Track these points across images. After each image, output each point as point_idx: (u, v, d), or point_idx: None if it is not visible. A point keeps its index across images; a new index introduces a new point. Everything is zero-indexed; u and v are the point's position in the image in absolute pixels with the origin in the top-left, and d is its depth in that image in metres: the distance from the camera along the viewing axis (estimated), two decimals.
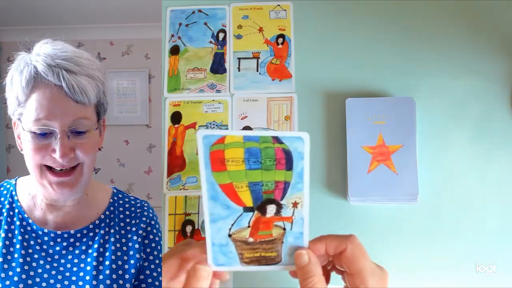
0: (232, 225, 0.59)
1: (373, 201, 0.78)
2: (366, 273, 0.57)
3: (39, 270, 0.78)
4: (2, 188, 0.84)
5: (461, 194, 0.78)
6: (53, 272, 0.78)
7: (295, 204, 0.59)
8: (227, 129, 0.84)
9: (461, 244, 0.77)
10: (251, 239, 0.60)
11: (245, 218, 0.59)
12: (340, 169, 0.79)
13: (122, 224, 0.83)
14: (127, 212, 0.85)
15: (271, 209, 0.59)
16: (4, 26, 3.05)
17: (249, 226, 0.59)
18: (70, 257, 0.79)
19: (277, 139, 0.57)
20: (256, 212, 0.59)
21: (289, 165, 0.58)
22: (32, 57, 0.75)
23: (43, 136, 0.73)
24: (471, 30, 0.81)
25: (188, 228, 0.82)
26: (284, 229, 0.60)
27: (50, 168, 0.75)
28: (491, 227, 0.77)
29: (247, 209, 0.59)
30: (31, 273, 0.77)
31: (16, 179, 0.85)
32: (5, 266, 0.77)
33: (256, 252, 0.60)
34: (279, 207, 0.59)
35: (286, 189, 0.58)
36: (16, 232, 0.79)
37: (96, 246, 0.80)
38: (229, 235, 0.59)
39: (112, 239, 0.81)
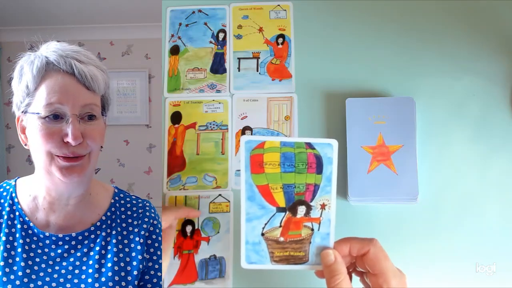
0: (266, 224, 0.63)
1: (373, 201, 0.78)
2: (388, 273, 0.61)
3: (41, 274, 0.77)
4: (1, 190, 0.83)
5: (461, 194, 0.78)
6: (55, 276, 0.77)
7: (323, 206, 0.63)
8: (227, 129, 0.84)
9: (461, 244, 0.77)
10: (281, 239, 0.63)
11: (278, 218, 0.63)
12: (340, 169, 0.79)
13: (124, 224, 0.83)
14: (129, 212, 0.84)
15: (301, 210, 0.63)
16: (4, 26, 3.05)
17: (280, 226, 0.63)
18: (71, 259, 0.78)
19: (309, 145, 0.63)
20: (287, 212, 0.63)
21: (319, 169, 0.63)
22: (42, 51, 0.77)
23: (54, 120, 0.73)
24: (471, 30, 0.81)
25: (188, 228, 0.82)
26: (312, 229, 0.63)
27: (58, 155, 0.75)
28: (491, 227, 0.77)
29: (280, 209, 0.63)
30: (33, 276, 0.77)
31: (16, 180, 0.84)
32: (7, 269, 0.76)
33: (286, 251, 0.64)
34: (309, 208, 0.63)
35: (316, 191, 0.63)
36: (17, 235, 0.78)
37: (97, 248, 0.80)
38: (262, 234, 0.63)
39: (114, 241, 0.81)
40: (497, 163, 0.78)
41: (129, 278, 0.79)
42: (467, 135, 0.79)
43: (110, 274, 0.78)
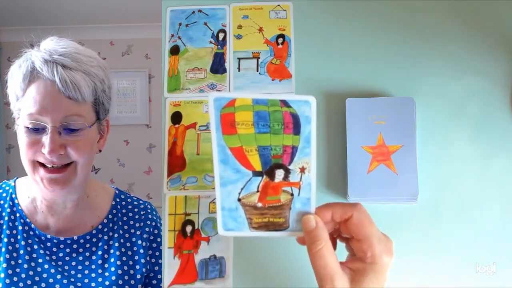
0: (242, 189, 0.59)
1: (373, 201, 0.78)
2: (373, 238, 0.57)
3: (44, 275, 0.76)
4: (1, 190, 0.82)
5: (461, 194, 0.78)
6: (58, 276, 0.76)
7: (302, 169, 0.59)
8: None
9: (461, 244, 0.77)
10: (259, 204, 0.59)
11: (254, 183, 0.59)
12: (340, 169, 0.79)
13: (125, 227, 0.82)
14: (130, 214, 0.84)
15: (279, 174, 0.59)
16: (4, 26, 3.05)
17: (258, 191, 0.59)
18: (74, 263, 0.77)
19: (285, 103, 0.57)
20: (265, 176, 0.59)
21: (296, 130, 0.58)
22: (34, 52, 0.76)
23: (35, 131, 0.72)
24: (471, 30, 0.81)
25: (188, 228, 0.82)
26: (292, 194, 0.59)
27: (43, 164, 0.74)
28: (491, 227, 0.77)
29: (256, 174, 0.59)
30: (36, 278, 0.76)
31: (15, 180, 0.84)
32: (9, 271, 0.75)
33: (265, 217, 0.60)
34: (287, 172, 0.59)
35: (294, 153, 0.58)
36: (19, 237, 0.77)
37: (100, 252, 0.79)
38: (239, 200, 0.59)
39: (116, 244, 0.80)
40: (497, 163, 0.78)
41: (133, 282, 0.79)
42: (467, 135, 0.79)
43: (113, 278, 0.77)
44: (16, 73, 0.74)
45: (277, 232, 0.60)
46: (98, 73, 0.76)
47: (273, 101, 0.57)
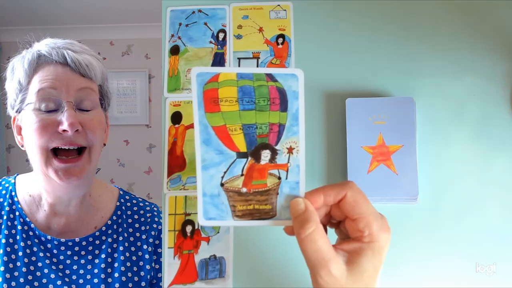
0: (225, 173, 0.55)
1: (373, 201, 0.77)
2: (370, 216, 0.54)
3: (44, 281, 0.72)
4: (0, 188, 0.80)
5: (461, 194, 0.78)
6: (59, 282, 0.72)
7: (290, 150, 0.54)
8: None
9: (461, 244, 0.77)
10: (244, 189, 0.55)
11: (239, 165, 0.55)
12: (340, 169, 0.79)
13: (130, 229, 0.79)
14: (136, 216, 0.81)
15: (265, 155, 0.54)
16: (4, 26, 3.05)
17: (242, 175, 0.55)
18: (75, 267, 0.74)
19: (271, 77, 0.53)
20: (250, 158, 0.54)
21: (283, 106, 0.54)
22: (35, 45, 0.74)
23: (48, 112, 0.69)
24: (471, 30, 0.81)
25: (188, 228, 0.82)
26: (279, 178, 0.55)
27: (56, 155, 0.71)
28: (491, 227, 0.77)
29: (241, 155, 0.54)
30: (35, 283, 0.72)
31: (15, 177, 0.81)
32: (7, 275, 0.72)
33: (250, 204, 0.55)
34: (274, 153, 0.54)
35: (281, 132, 0.54)
36: (18, 237, 0.74)
37: (103, 256, 0.75)
38: (222, 185, 0.55)
39: (121, 248, 0.76)
40: (497, 163, 0.78)
41: None
42: (467, 135, 0.79)
43: (117, 285, 0.74)
44: (19, 64, 0.72)
45: (263, 220, 0.55)
46: (102, 61, 0.76)
47: (258, 75, 0.53)
